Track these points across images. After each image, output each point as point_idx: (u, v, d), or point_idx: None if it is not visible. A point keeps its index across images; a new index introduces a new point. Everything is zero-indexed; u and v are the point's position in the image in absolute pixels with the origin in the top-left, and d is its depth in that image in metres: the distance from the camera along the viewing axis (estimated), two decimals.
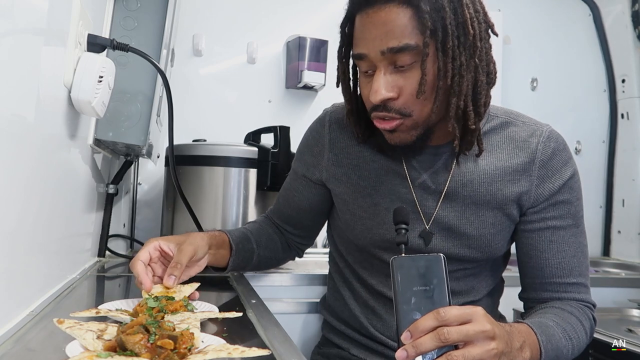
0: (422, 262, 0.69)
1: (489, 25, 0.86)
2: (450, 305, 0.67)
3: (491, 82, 0.87)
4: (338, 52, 0.92)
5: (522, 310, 1.02)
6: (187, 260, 0.87)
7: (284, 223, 1.15)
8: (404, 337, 0.66)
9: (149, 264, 0.88)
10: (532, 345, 0.79)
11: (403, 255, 0.71)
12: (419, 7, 0.78)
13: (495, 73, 0.88)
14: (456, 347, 0.66)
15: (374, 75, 0.83)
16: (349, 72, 0.92)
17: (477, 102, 0.85)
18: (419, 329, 0.65)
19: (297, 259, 1.24)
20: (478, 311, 0.68)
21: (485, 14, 0.86)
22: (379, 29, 0.79)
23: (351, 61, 0.91)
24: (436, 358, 0.65)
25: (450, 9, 0.79)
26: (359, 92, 0.92)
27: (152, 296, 0.78)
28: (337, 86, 0.94)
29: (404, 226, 0.77)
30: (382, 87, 0.81)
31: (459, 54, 0.81)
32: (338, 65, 0.92)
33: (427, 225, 0.94)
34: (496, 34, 0.87)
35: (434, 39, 0.79)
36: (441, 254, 0.70)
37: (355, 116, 0.95)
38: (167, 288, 0.83)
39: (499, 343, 0.67)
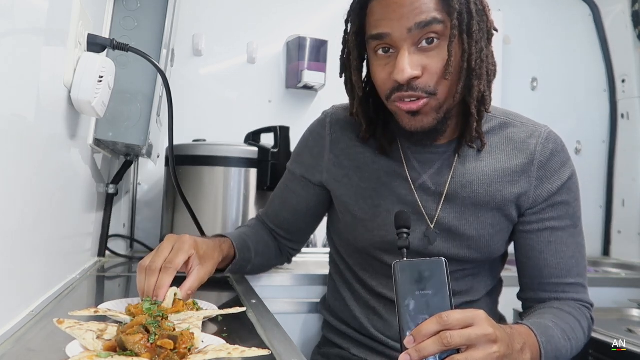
0: (424, 266, 0.70)
1: (491, 22, 0.89)
2: (452, 309, 0.68)
3: (495, 74, 0.89)
4: (347, 39, 0.91)
5: (521, 310, 1.02)
6: (196, 287, 0.86)
7: (277, 227, 1.14)
8: (407, 341, 0.67)
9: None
10: (532, 346, 0.79)
11: (405, 259, 0.71)
12: None
13: (495, 67, 0.90)
14: (458, 351, 0.66)
15: (395, 57, 0.82)
16: (360, 58, 0.91)
17: (490, 88, 0.87)
18: (422, 333, 0.66)
19: (296, 259, 1.24)
20: (480, 315, 0.68)
21: (489, 10, 0.89)
22: (406, 7, 0.80)
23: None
24: None
25: None
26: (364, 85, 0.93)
27: (149, 300, 0.77)
28: (341, 76, 0.94)
29: (405, 230, 0.77)
30: (407, 65, 0.80)
31: (480, 39, 0.83)
32: (347, 54, 0.92)
33: (432, 225, 0.94)
34: (496, 30, 0.89)
35: (460, 21, 0.81)
36: (443, 258, 0.70)
37: (365, 106, 0.94)
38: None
39: (500, 346, 0.68)
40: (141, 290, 0.81)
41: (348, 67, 0.92)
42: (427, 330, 0.66)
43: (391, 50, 0.84)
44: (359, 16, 0.88)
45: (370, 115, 0.95)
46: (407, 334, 0.67)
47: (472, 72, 0.84)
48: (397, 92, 0.84)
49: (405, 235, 0.77)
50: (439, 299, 0.68)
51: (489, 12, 0.86)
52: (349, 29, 0.91)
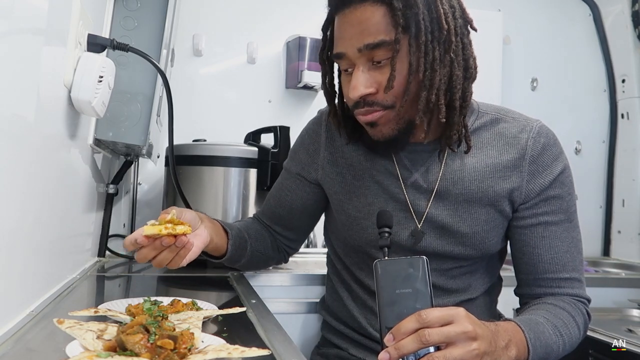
0: (405, 264, 0.71)
1: (467, 21, 0.88)
2: (432, 307, 0.69)
3: (470, 76, 0.88)
4: (320, 55, 0.93)
5: (518, 306, 1.02)
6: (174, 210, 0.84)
7: (274, 224, 1.14)
8: (387, 339, 0.67)
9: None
10: (519, 343, 0.79)
11: (386, 258, 0.72)
12: (391, 4, 0.80)
13: (476, 68, 0.89)
14: (438, 348, 0.67)
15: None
16: (331, 74, 0.94)
17: (453, 95, 0.86)
18: (401, 331, 0.67)
19: (295, 259, 1.24)
20: (459, 312, 0.69)
21: (462, 10, 0.88)
22: (355, 27, 0.82)
23: (334, 63, 0.92)
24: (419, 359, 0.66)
25: (423, 5, 0.81)
26: (338, 94, 0.95)
27: (149, 300, 0.77)
28: (322, 89, 0.96)
29: (387, 230, 0.79)
30: (360, 84, 0.83)
31: (432, 49, 0.83)
32: (321, 68, 0.94)
33: (419, 223, 0.94)
34: (475, 29, 0.89)
35: (406, 34, 0.81)
36: (424, 256, 0.71)
37: (340, 117, 0.96)
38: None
39: (480, 343, 0.68)
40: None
41: (322, 82, 0.95)
42: (405, 328, 0.66)
43: (349, 70, 0.86)
44: (326, 34, 0.91)
45: (348, 126, 0.96)
46: (387, 332, 0.68)
47: (419, 83, 0.84)
48: (355, 108, 0.87)
49: (386, 235, 0.78)
50: (419, 297, 0.69)
51: (448, 18, 0.83)
52: (321, 44, 0.93)
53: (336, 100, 0.96)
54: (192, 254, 0.86)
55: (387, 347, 0.67)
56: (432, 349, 0.67)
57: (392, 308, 0.69)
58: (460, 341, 0.67)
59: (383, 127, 0.87)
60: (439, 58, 0.83)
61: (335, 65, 0.94)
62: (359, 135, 0.97)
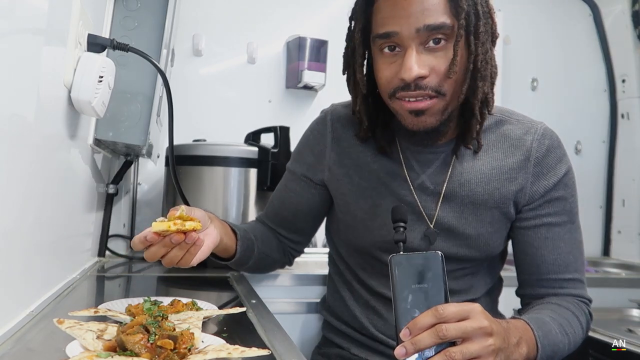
0: (420, 259, 0.70)
1: None
2: (448, 302, 0.68)
3: (496, 75, 0.89)
4: (353, 35, 0.90)
5: (520, 307, 1.02)
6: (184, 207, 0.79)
7: (278, 226, 1.12)
8: (403, 334, 0.67)
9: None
10: (529, 341, 0.79)
11: (401, 253, 0.72)
12: None
13: (497, 68, 0.90)
14: (454, 344, 0.67)
15: (401, 55, 0.82)
16: (363, 59, 0.91)
17: (493, 90, 0.88)
18: (418, 325, 0.66)
19: (296, 259, 1.23)
20: (476, 308, 0.69)
21: None
22: (415, 6, 0.80)
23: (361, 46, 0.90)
24: (434, 354, 0.66)
25: None
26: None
27: (149, 300, 0.77)
28: (344, 73, 0.94)
29: (402, 224, 0.78)
30: (415, 64, 0.80)
31: (486, 40, 0.84)
32: (351, 51, 0.91)
33: (432, 224, 0.94)
34: (497, 35, 0.89)
35: (467, 22, 0.81)
36: (439, 252, 0.71)
37: (367, 104, 0.93)
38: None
39: (496, 339, 0.68)
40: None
41: (352, 65, 0.92)
42: (422, 323, 0.66)
43: (397, 49, 0.83)
44: (364, 13, 0.88)
45: (371, 114, 0.94)
46: (403, 327, 0.67)
47: (477, 72, 0.84)
48: (401, 91, 0.83)
49: (401, 229, 0.77)
50: (435, 292, 0.69)
51: (494, 14, 0.86)
52: (352, 26, 0.91)
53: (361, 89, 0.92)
54: (202, 253, 0.82)
55: (403, 341, 0.67)
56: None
57: (408, 303, 0.69)
58: (477, 337, 0.67)
59: (429, 117, 0.85)
60: (489, 50, 0.84)
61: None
62: (372, 133, 0.96)
